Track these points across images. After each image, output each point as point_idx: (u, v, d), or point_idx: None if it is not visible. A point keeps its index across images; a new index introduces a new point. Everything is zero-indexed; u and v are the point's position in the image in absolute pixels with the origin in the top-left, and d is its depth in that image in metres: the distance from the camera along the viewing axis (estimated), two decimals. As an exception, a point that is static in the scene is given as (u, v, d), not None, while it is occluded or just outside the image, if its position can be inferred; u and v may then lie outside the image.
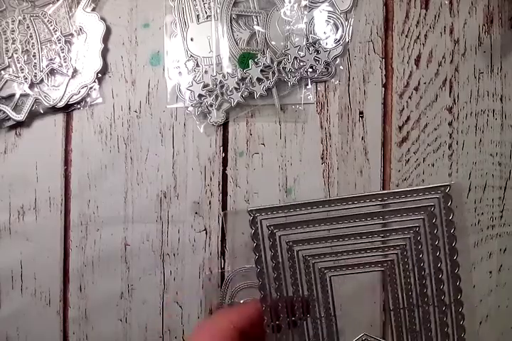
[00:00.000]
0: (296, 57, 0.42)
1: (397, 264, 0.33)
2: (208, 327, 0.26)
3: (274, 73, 0.42)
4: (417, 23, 0.43)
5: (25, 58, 0.44)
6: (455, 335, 0.32)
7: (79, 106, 0.44)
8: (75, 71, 0.44)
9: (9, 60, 0.44)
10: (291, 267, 0.33)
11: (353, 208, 0.33)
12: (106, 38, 0.44)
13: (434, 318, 0.32)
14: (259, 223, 0.33)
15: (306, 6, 0.42)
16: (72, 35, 0.44)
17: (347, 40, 0.43)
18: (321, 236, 0.33)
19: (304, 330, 0.32)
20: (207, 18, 0.43)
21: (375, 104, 0.43)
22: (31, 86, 0.44)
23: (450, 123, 0.43)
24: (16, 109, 0.44)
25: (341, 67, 0.43)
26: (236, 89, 0.42)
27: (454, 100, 0.43)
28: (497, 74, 0.43)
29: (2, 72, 0.44)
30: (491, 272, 0.43)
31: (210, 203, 0.44)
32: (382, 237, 0.34)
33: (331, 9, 0.43)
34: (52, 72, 0.44)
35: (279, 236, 0.33)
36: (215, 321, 0.27)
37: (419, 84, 0.43)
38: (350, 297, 0.37)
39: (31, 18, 0.44)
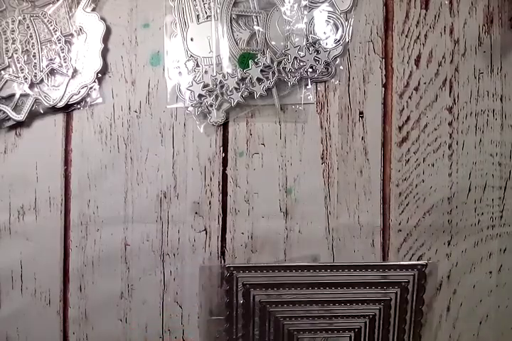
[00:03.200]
0: (296, 57, 0.42)
1: (363, 333, 0.35)
2: None
3: (274, 73, 0.42)
4: (417, 23, 0.43)
5: (25, 58, 0.44)
6: None
7: (79, 106, 0.44)
8: (75, 71, 0.44)
9: (9, 60, 0.44)
10: (261, 326, 0.34)
11: (332, 276, 0.36)
12: (106, 38, 0.44)
13: None
14: (234, 280, 0.34)
15: (306, 6, 0.42)
16: (72, 35, 0.44)
17: (347, 40, 0.43)
18: (295, 299, 0.34)
19: None
20: (207, 18, 0.43)
21: (375, 104, 0.43)
22: (31, 86, 0.44)
23: (450, 123, 0.43)
24: (16, 109, 0.44)
25: (341, 67, 0.43)
26: (236, 89, 0.42)
27: (454, 100, 0.43)
28: (497, 74, 0.43)
29: (2, 72, 0.44)
30: (491, 272, 0.43)
31: (210, 203, 0.44)
32: (356, 305, 0.35)
33: (331, 9, 0.43)
34: (52, 72, 0.44)
35: (254, 296, 0.34)
36: None
37: (419, 84, 0.43)
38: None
39: (31, 18, 0.44)
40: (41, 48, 0.44)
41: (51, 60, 0.43)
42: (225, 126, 0.44)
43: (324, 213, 0.43)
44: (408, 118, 0.43)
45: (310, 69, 0.42)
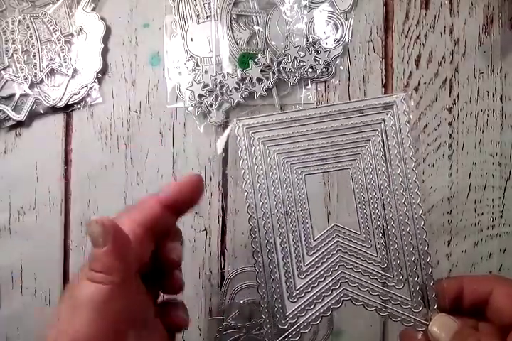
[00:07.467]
0: (296, 57, 0.42)
1: (362, 161, 0.35)
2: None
3: (274, 73, 0.42)
4: (417, 23, 0.43)
5: (25, 58, 0.44)
6: (415, 223, 0.33)
7: (79, 106, 0.44)
8: (75, 71, 0.44)
9: (9, 60, 0.44)
10: (271, 169, 0.35)
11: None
12: (106, 38, 0.44)
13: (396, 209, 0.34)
14: (243, 131, 0.35)
15: (306, 6, 0.42)
16: (72, 35, 0.44)
17: (347, 40, 0.43)
18: (295, 135, 0.35)
19: (282, 224, 0.35)
20: (207, 18, 0.43)
21: (375, 104, 0.43)
22: (31, 86, 0.44)
23: (450, 123, 0.43)
24: (16, 109, 0.44)
25: (341, 67, 0.43)
26: (236, 89, 0.42)
27: (454, 100, 0.43)
28: (497, 74, 0.43)
29: (2, 72, 0.44)
30: (490, 272, 0.43)
31: (210, 203, 0.44)
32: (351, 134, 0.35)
33: (331, 9, 0.43)
34: (52, 72, 0.44)
35: (262, 142, 0.35)
36: (119, 222, 0.27)
37: (419, 84, 0.43)
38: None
39: (31, 18, 0.44)
40: (41, 48, 0.44)
41: (51, 60, 0.43)
42: (225, 126, 0.44)
43: (324, 213, 0.43)
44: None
45: (310, 69, 0.42)
